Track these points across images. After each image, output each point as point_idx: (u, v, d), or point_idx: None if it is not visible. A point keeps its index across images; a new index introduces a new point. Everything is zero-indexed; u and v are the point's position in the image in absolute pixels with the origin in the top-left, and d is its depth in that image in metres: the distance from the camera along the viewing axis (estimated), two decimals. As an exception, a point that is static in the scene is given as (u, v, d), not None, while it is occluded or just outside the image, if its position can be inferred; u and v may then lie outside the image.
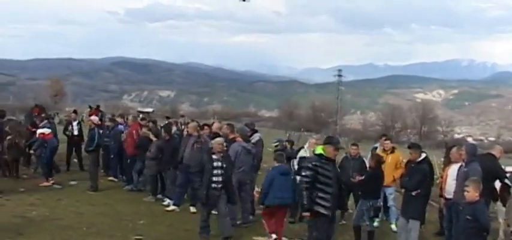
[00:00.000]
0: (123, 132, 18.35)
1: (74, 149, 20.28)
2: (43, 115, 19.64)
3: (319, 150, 9.75)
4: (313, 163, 9.48)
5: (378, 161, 12.23)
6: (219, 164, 11.39)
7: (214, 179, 11.27)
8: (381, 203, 12.98)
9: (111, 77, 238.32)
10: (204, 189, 11.26)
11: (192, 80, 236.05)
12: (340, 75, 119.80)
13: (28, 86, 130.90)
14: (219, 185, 11.36)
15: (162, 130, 16.26)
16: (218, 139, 11.77)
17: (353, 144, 15.08)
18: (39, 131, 17.23)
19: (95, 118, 18.39)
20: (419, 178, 11.35)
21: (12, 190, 15.41)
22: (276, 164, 12.06)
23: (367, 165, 13.13)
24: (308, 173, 9.42)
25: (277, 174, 11.75)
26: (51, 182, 16.70)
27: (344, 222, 13.69)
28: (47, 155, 16.95)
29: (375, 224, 12.67)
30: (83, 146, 18.78)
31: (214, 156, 11.41)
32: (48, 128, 17.72)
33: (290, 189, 11.65)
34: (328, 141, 10.01)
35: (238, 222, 12.98)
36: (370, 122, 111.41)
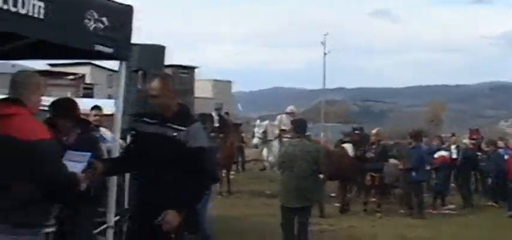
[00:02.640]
0: (503, 157, 17.60)
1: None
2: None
3: None
4: None
5: None
6: None
7: None
8: None
9: (488, 102, 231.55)
10: None
11: None
12: None
13: (406, 113, 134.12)
14: None
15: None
16: None
17: None
18: (439, 153, 17.47)
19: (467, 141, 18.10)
20: None
21: (393, 211, 15.69)
22: None
23: None
24: None
25: None
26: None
27: None
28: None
29: None
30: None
31: None
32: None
33: None
34: None
35: None
36: None
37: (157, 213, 4.88)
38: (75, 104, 6.19)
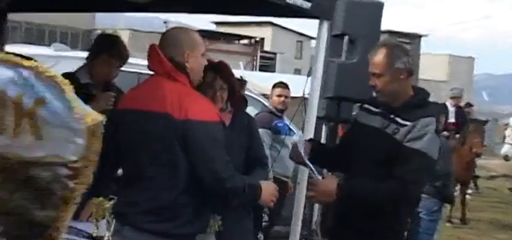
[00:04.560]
0: None
1: None
2: None
3: None
4: None
5: None
6: None
7: None
8: None
9: None
10: None
11: None
12: None
13: None
14: None
15: None
16: None
17: None
18: None
19: None
20: None
21: None
22: None
23: None
24: None
25: None
26: None
27: None
28: None
29: None
30: None
31: None
32: None
33: None
34: None
35: None
36: None
37: (356, 235, 4.73)
38: (228, 67, 5.35)
